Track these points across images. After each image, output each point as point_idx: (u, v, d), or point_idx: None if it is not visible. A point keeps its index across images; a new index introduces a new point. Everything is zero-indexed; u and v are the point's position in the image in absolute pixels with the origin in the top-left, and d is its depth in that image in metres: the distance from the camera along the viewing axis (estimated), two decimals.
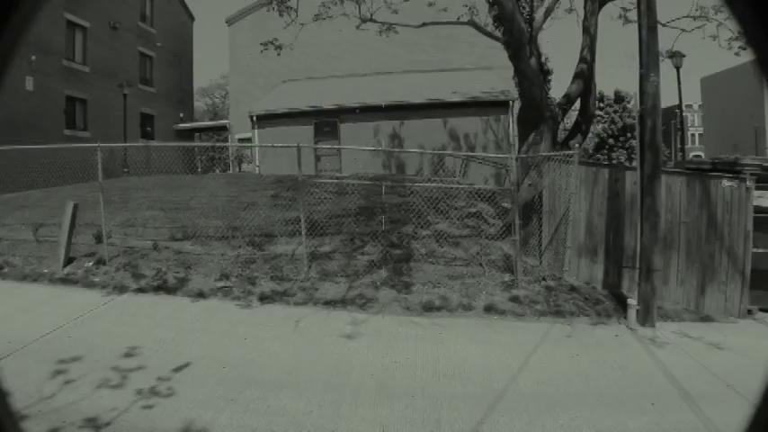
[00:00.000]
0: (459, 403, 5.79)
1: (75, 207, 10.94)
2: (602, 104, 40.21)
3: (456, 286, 10.00)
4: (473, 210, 13.66)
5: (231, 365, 6.68)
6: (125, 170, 25.12)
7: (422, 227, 12.09)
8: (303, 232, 10.69)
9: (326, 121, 25.31)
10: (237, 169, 28.99)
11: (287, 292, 9.73)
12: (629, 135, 39.96)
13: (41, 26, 23.65)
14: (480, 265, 10.84)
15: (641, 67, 9.23)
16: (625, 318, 9.05)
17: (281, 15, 14.35)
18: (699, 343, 8.04)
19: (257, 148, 25.94)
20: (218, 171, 28.55)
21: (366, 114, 24.74)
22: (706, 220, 9.88)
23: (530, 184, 11.84)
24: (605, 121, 42.35)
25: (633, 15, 13.77)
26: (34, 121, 23.79)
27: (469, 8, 15.76)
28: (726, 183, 9.75)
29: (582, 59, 13.70)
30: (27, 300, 9.10)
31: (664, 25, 14.02)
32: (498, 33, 14.38)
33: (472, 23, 14.89)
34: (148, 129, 34.62)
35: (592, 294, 10.00)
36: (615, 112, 42.35)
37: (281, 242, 11.67)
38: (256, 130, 25.80)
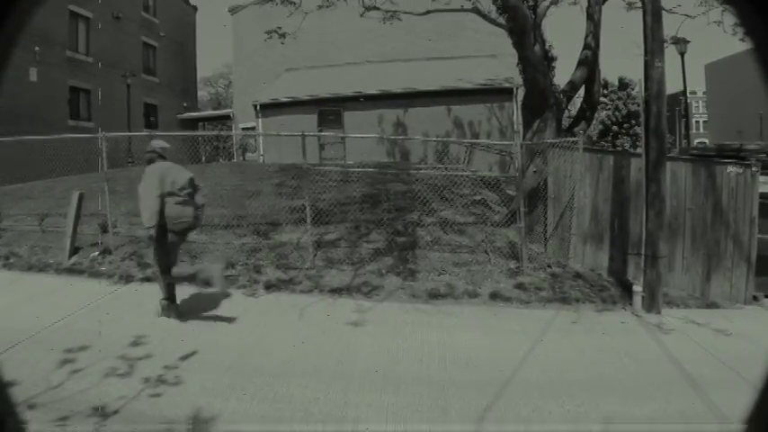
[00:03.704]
0: (466, 390, 5.80)
1: (81, 197, 10.95)
2: (606, 91, 40.05)
3: (461, 273, 10.00)
4: (478, 197, 13.66)
5: (237, 353, 6.70)
6: (129, 160, 25.14)
7: (427, 214, 12.08)
8: (308, 220, 10.69)
9: (330, 110, 25.31)
10: (242, 158, 29.01)
11: (292, 280, 9.75)
12: (633, 122, 39.83)
13: (45, 17, 23.69)
14: (485, 252, 10.84)
15: (646, 54, 9.19)
16: (631, 304, 9.05)
17: (284, 4, 14.30)
18: (705, 329, 8.04)
19: (261, 137, 25.96)
20: (221, 160, 28.58)
21: (370, 102, 24.74)
22: (711, 207, 9.86)
23: (534, 171, 11.82)
24: (609, 108, 42.20)
25: (637, 2, 13.73)
26: (38, 111, 23.85)
27: None
28: (731, 169, 9.73)
29: (586, 46, 13.66)
30: (33, 290, 9.12)
31: (668, 11, 13.93)
32: (502, 20, 14.31)
33: (476, 10, 14.83)
34: (152, 118, 34.68)
35: (597, 281, 10.00)
36: (619, 98, 42.19)
37: (287, 230, 11.68)
38: (260, 119, 25.83)
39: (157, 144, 8.03)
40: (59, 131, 17.53)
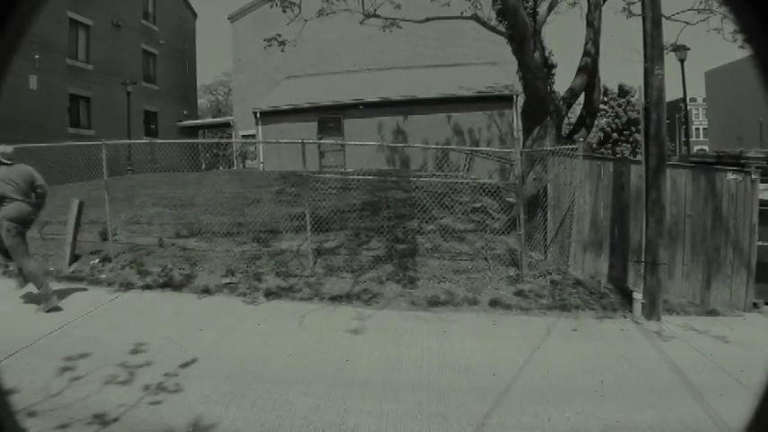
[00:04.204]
0: (466, 397, 5.80)
1: (81, 205, 10.97)
2: (606, 98, 40.10)
3: (461, 281, 10.00)
4: (478, 204, 13.67)
5: (238, 361, 6.69)
6: (129, 168, 25.19)
7: (426, 222, 12.09)
8: (308, 228, 10.70)
9: (330, 117, 25.34)
10: (241, 166, 29.05)
11: (292, 287, 9.75)
12: (633, 129, 39.90)
13: (44, 25, 23.75)
14: (485, 259, 10.84)
15: (646, 61, 9.20)
16: (630, 311, 9.05)
17: (284, 11, 14.33)
18: (704, 336, 8.04)
19: (261, 145, 25.99)
20: (221, 168, 28.62)
21: (370, 110, 24.77)
22: (711, 214, 9.86)
23: (534, 179, 11.84)
24: (609, 116, 42.25)
25: (637, 9, 13.78)
26: (38, 119, 23.85)
27: (473, 2, 15.74)
28: (731, 176, 9.73)
29: (586, 53, 13.68)
30: (33, 297, 9.12)
31: (668, 18, 13.97)
32: (502, 27, 14.35)
33: (476, 18, 14.87)
34: (152, 126, 34.71)
35: (597, 288, 10.00)
36: (619, 105, 42.25)
37: (287, 238, 11.69)
38: (260, 127, 25.86)
39: None
40: (59, 139, 17.58)
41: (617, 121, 42.16)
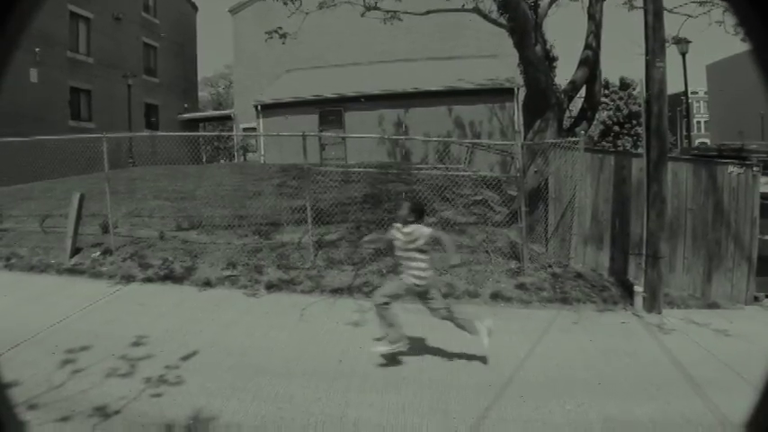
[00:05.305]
0: (467, 390, 5.80)
1: (82, 198, 10.96)
2: (607, 91, 40.00)
3: (462, 273, 9.99)
4: (479, 197, 13.64)
5: (239, 354, 6.70)
6: (130, 161, 25.16)
7: (427, 214, 12.05)
8: (309, 220, 10.69)
9: (331, 110, 25.27)
10: (242, 159, 29.02)
11: (293, 280, 9.76)
12: (634, 122, 39.86)
13: (45, 18, 23.67)
14: (486, 252, 10.83)
15: (647, 54, 9.18)
16: (631, 305, 9.05)
17: (285, 4, 14.29)
18: (705, 329, 8.04)
19: (262, 138, 25.95)
20: (222, 161, 28.60)
21: (371, 103, 24.70)
22: (712, 207, 9.85)
23: (536, 171, 11.82)
24: (611, 109, 42.17)
25: (638, 2, 13.71)
26: (39, 112, 23.84)
27: None
28: (732, 169, 9.72)
29: (587, 46, 13.64)
30: (34, 291, 9.13)
31: (670, 11, 13.91)
32: (503, 20, 14.31)
33: (477, 10, 14.82)
34: (153, 119, 34.65)
35: (598, 281, 10.00)
36: (620, 99, 42.16)
37: (288, 231, 11.68)
38: (261, 120, 25.80)
39: None
40: (60, 132, 17.54)
41: (618, 114, 42.09)
